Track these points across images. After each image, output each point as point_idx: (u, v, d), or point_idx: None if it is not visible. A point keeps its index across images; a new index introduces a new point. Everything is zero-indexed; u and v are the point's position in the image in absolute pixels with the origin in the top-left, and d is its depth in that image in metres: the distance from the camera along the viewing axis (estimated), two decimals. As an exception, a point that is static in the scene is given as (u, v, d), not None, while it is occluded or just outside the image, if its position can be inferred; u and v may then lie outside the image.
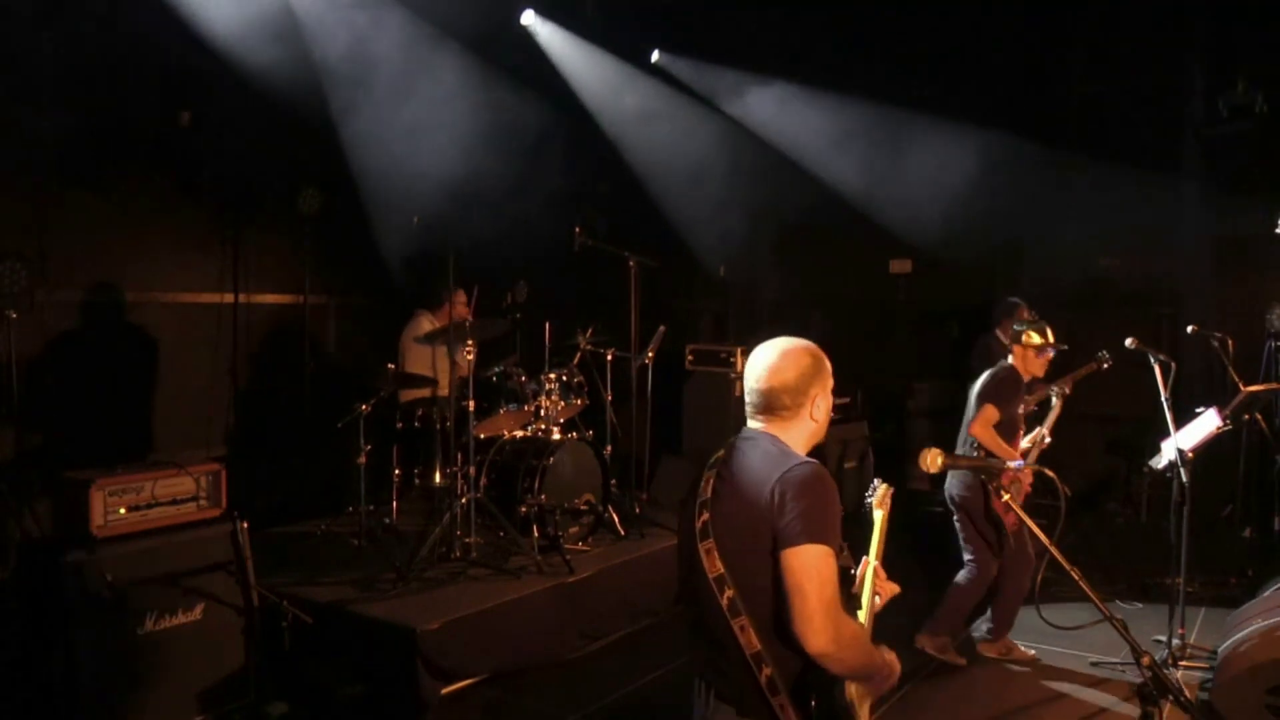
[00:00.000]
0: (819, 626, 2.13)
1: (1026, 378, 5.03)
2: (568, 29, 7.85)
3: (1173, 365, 5.07)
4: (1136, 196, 7.36)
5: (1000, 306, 6.78)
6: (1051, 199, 7.78)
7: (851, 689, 2.32)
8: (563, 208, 8.12)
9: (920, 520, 6.99)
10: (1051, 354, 5.03)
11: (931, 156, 7.81)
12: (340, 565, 5.46)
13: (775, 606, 2.20)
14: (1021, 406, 5.03)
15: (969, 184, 7.62)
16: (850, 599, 2.46)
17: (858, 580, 2.53)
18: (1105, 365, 5.63)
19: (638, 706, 4.66)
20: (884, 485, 2.68)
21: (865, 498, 2.71)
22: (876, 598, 2.53)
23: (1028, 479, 4.99)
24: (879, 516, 2.62)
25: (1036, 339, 4.99)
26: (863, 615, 2.47)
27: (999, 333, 6.73)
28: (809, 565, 2.15)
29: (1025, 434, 5.14)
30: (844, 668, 2.22)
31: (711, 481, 2.36)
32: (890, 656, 2.37)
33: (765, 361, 2.38)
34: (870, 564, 2.53)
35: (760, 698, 2.22)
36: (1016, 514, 2.75)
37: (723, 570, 2.24)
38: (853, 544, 2.38)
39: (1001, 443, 4.88)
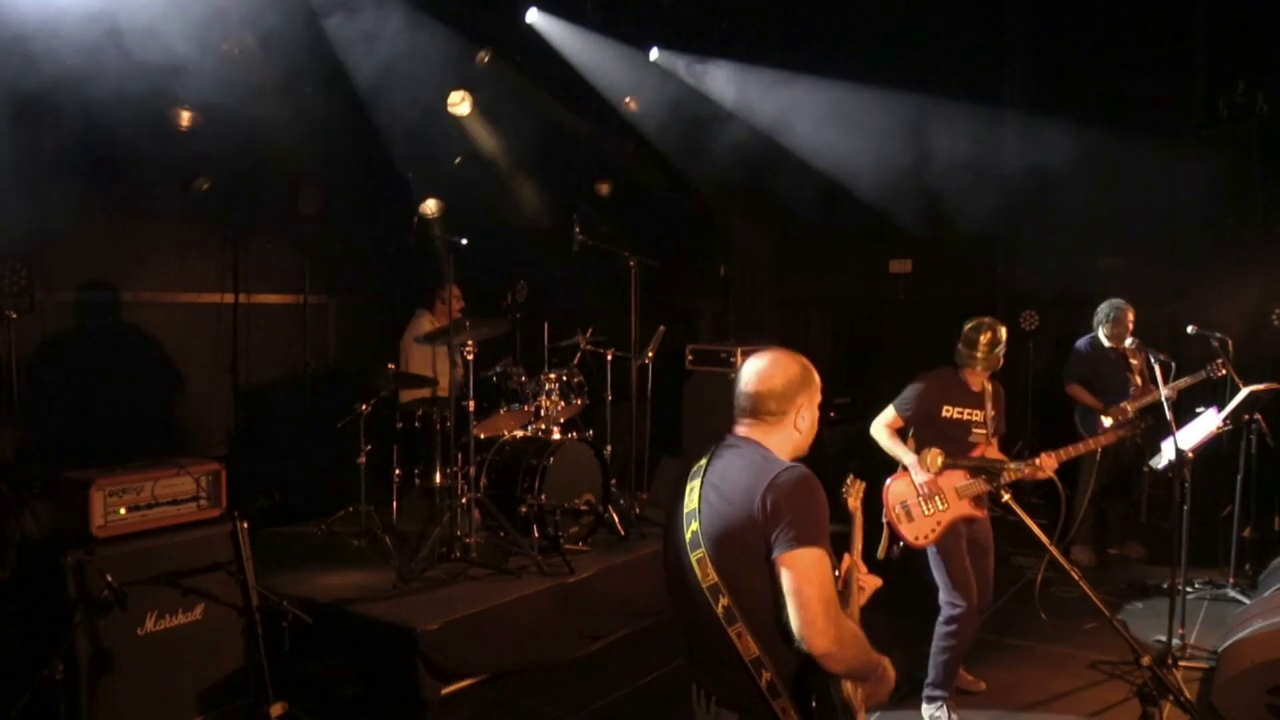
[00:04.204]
0: (822, 628, 2.15)
1: (976, 384, 4.45)
2: (571, 24, 7.83)
3: (1173, 365, 5.07)
4: (1137, 196, 7.36)
5: (1104, 308, 6.52)
6: (1052, 199, 7.78)
7: (848, 685, 2.34)
8: (563, 207, 8.12)
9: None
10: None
11: (933, 156, 7.81)
12: (340, 565, 5.46)
13: (774, 611, 2.21)
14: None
15: (970, 184, 7.62)
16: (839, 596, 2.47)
17: (840, 577, 2.55)
18: (1218, 375, 5.63)
19: (638, 706, 4.66)
20: (857, 481, 2.75)
21: (842, 492, 2.76)
22: (860, 590, 2.59)
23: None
24: (855, 512, 2.69)
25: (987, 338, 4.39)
26: (851, 609, 2.52)
27: (1103, 335, 6.49)
28: (807, 570, 2.17)
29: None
30: (845, 666, 2.24)
31: (698, 490, 2.37)
32: (885, 660, 2.38)
33: (756, 367, 2.42)
34: (852, 560, 2.59)
35: (762, 701, 2.24)
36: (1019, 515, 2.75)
37: (717, 579, 2.26)
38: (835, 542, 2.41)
39: (898, 446, 4.44)
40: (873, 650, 2.34)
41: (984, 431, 4.45)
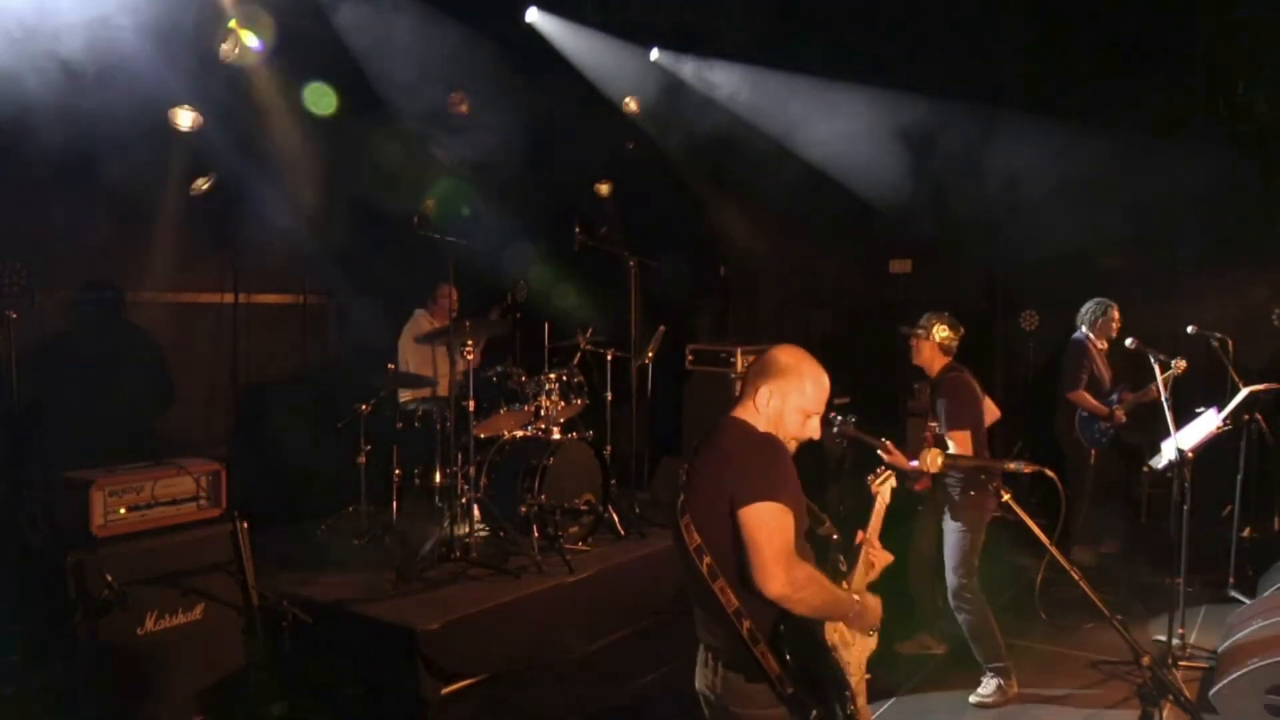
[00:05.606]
0: (772, 573, 2.34)
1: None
2: (571, 23, 7.84)
3: (1172, 364, 5.07)
4: (1137, 196, 7.36)
5: (1092, 307, 6.60)
6: (1052, 199, 7.78)
7: (834, 634, 2.54)
8: (563, 207, 8.11)
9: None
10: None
11: (933, 156, 7.81)
12: (340, 565, 5.46)
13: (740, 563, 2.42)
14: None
15: (970, 183, 7.61)
16: (834, 565, 2.69)
17: (854, 549, 2.75)
18: (1179, 371, 5.67)
19: (638, 706, 4.66)
20: (889, 473, 2.92)
21: (869, 478, 2.96)
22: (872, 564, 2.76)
23: None
24: (879, 496, 2.87)
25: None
26: (857, 581, 2.69)
27: (1090, 333, 6.56)
28: (760, 520, 2.37)
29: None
30: (806, 607, 2.43)
31: (686, 467, 2.62)
32: (870, 601, 2.62)
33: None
34: (864, 536, 2.77)
35: (747, 650, 2.43)
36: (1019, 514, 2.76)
37: (700, 540, 2.48)
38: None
39: None
40: (837, 589, 2.54)
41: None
